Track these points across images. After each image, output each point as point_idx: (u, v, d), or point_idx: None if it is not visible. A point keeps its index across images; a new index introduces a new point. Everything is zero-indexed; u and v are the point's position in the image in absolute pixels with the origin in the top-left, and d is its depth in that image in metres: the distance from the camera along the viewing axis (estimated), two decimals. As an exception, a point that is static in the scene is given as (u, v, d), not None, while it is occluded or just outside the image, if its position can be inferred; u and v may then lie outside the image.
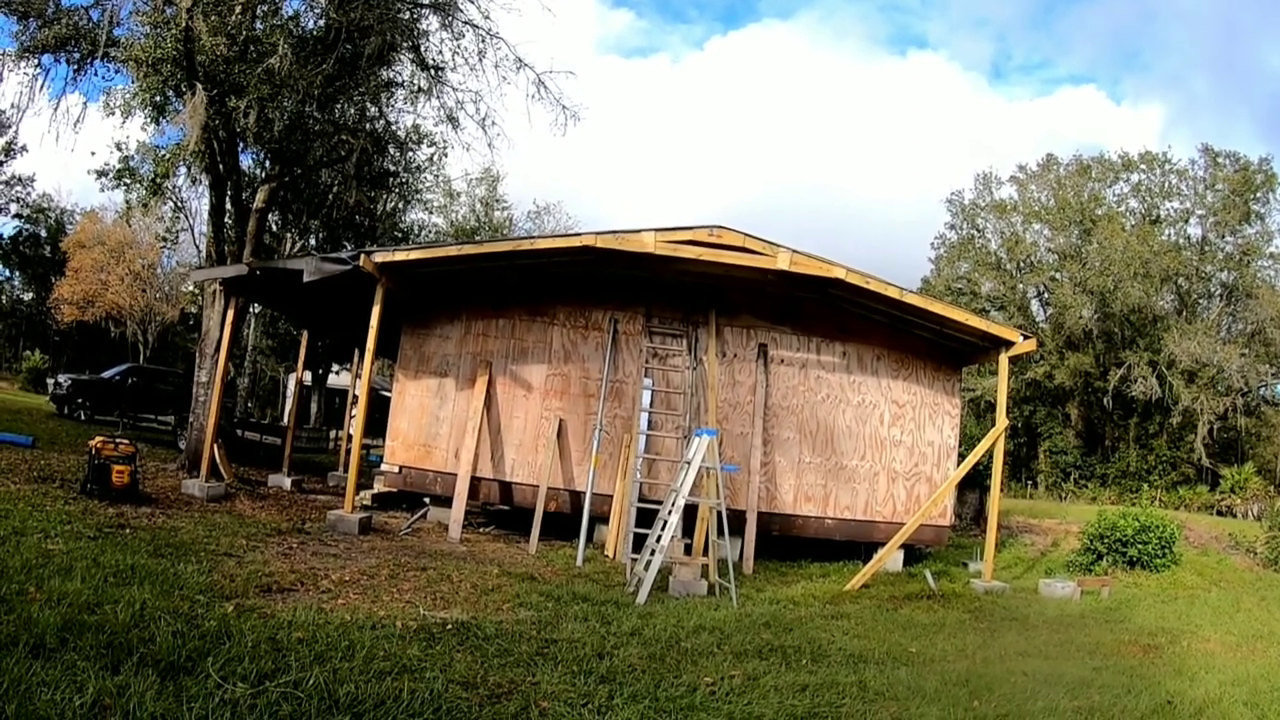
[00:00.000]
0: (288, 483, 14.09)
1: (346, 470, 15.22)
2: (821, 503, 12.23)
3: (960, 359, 12.90)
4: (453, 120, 18.20)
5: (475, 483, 11.75)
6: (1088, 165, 40.64)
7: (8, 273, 53.10)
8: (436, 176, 25.63)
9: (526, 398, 12.15)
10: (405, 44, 16.34)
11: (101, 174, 17.49)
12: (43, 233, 50.53)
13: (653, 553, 8.63)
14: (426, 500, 12.18)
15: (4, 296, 53.86)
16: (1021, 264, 41.65)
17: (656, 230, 10.56)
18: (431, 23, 16.17)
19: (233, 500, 11.55)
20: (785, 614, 8.25)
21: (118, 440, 9.93)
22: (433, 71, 16.66)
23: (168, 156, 12.73)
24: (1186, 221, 38.52)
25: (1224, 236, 37.42)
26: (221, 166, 12.84)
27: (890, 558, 11.27)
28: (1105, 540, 12.66)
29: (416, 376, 12.20)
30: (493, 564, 9.39)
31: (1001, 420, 11.53)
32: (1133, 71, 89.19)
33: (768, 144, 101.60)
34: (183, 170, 13.92)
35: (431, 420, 12.07)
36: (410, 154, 17.56)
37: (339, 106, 13.37)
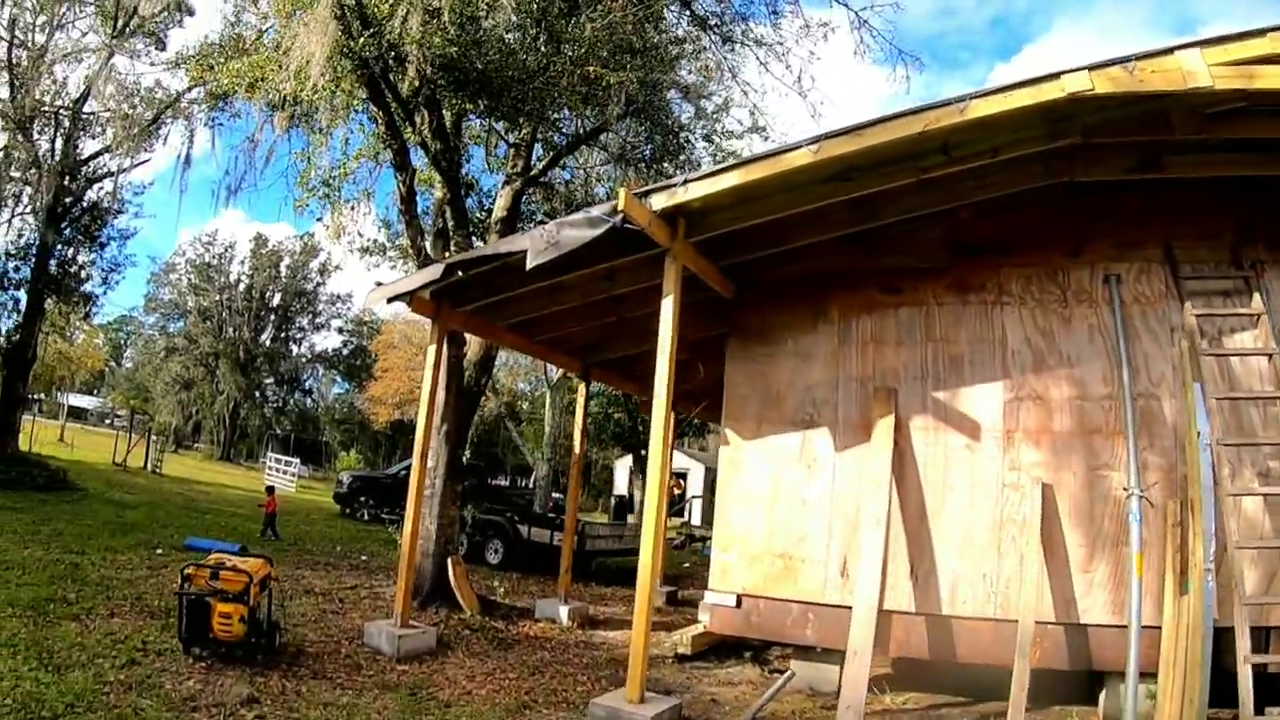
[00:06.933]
0: (564, 613, 9.02)
1: (707, 586, 9.86)
2: None
3: None
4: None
5: (882, 620, 5.92)
6: None
7: (346, 385, 57.75)
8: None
9: (969, 450, 6.13)
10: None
11: (366, 251, 15.63)
12: (367, 344, 54.53)
13: None
14: (788, 661, 6.51)
15: (339, 404, 58.66)
16: None
17: (1203, 43, 4.57)
18: None
19: (444, 656, 6.83)
20: None
21: (228, 565, 5.62)
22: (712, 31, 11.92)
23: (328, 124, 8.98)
24: None
25: None
26: (414, 132, 8.74)
27: None
28: None
29: (759, 430, 6.71)
30: None
31: None
32: None
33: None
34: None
35: (792, 507, 6.45)
36: (704, 102, 12.42)
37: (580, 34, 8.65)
